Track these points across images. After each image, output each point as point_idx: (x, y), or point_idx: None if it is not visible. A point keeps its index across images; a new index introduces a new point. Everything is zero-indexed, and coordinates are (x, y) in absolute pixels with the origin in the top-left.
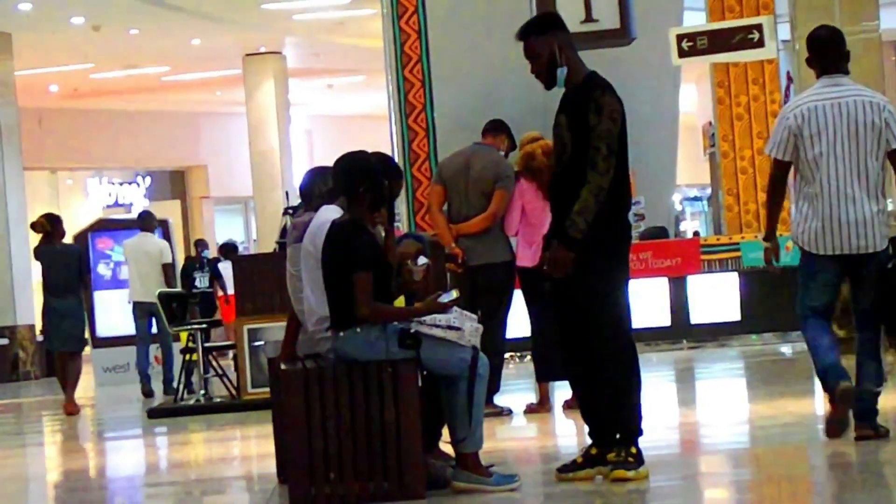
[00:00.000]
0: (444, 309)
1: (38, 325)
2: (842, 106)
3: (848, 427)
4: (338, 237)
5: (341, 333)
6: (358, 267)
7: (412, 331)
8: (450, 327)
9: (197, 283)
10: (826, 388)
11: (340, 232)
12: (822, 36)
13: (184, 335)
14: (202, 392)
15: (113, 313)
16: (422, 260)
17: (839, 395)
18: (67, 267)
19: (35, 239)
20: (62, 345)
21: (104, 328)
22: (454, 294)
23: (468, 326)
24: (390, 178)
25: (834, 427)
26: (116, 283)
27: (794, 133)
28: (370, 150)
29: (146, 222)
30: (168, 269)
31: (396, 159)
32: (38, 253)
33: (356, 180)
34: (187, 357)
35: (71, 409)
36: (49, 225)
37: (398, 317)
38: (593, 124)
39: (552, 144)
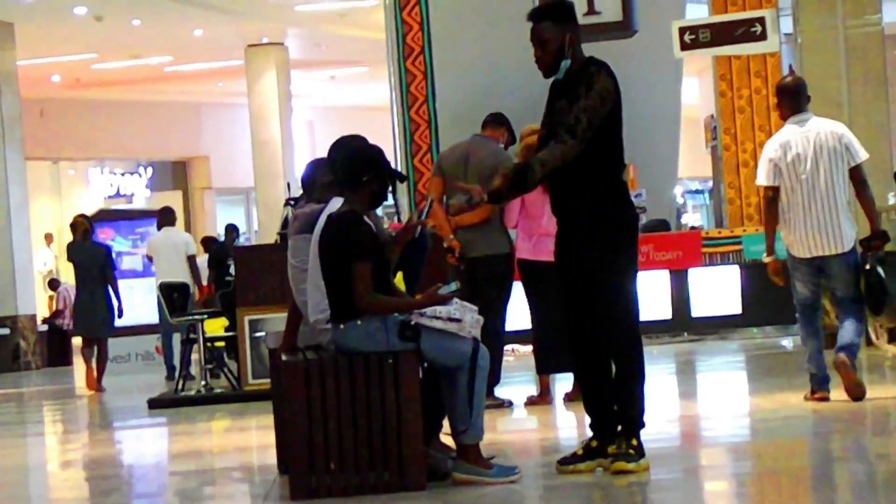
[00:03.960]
0: (444, 301)
1: (41, 315)
2: (810, 138)
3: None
4: (337, 228)
5: (342, 326)
6: (358, 258)
7: (412, 322)
8: (450, 319)
9: (232, 270)
10: (810, 380)
11: (339, 223)
12: (789, 85)
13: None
14: (203, 383)
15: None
16: (452, 286)
17: (817, 398)
18: (97, 263)
19: (38, 230)
20: (89, 331)
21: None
22: (454, 286)
23: (468, 318)
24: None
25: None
26: (120, 273)
27: (775, 163)
28: (372, 140)
29: (168, 217)
30: (193, 260)
31: (398, 150)
32: (72, 250)
33: (359, 170)
34: (209, 345)
35: (94, 387)
36: (88, 224)
37: (398, 308)
38: (579, 95)
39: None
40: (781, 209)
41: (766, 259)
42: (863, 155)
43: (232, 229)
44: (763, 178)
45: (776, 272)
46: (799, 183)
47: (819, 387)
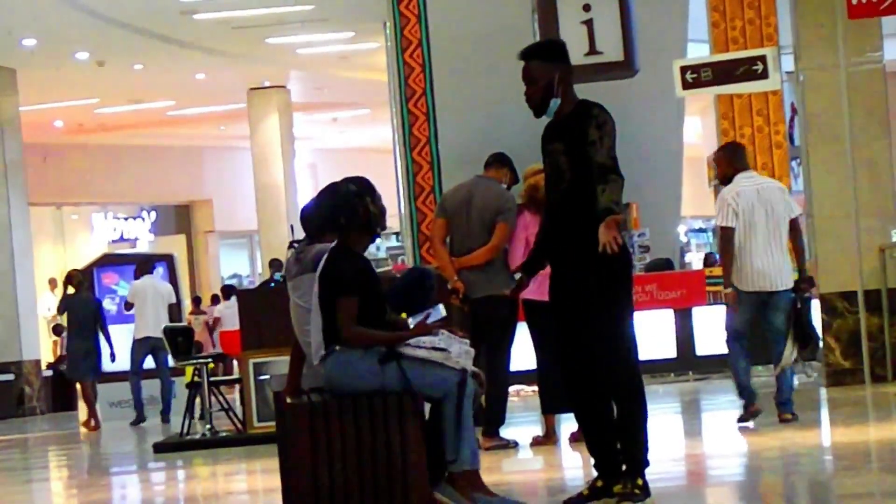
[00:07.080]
0: (430, 331)
1: (45, 360)
2: (759, 191)
3: (757, 416)
4: (328, 263)
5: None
6: (342, 291)
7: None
8: (434, 348)
9: None
10: (741, 397)
11: (330, 258)
12: (733, 144)
13: (189, 370)
14: (207, 426)
15: (119, 348)
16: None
17: (751, 413)
18: (90, 313)
19: (41, 275)
20: (82, 376)
21: (110, 363)
22: (442, 312)
23: (455, 348)
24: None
25: (745, 420)
26: (122, 318)
27: (732, 208)
28: (374, 182)
29: (146, 266)
30: (174, 308)
31: (401, 192)
32: (67, 302)
33: (334, 213)
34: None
35: (90, 427)
36: (81, 277)
37: (381, 340)
38: (594, 139)
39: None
40: (737, 249)
41: (725, 290)
42: (798, 210)
43: (273, 264)
44: (721, 220)
45: (735, 300)
46: (751, 227)
47: (751, 402)
